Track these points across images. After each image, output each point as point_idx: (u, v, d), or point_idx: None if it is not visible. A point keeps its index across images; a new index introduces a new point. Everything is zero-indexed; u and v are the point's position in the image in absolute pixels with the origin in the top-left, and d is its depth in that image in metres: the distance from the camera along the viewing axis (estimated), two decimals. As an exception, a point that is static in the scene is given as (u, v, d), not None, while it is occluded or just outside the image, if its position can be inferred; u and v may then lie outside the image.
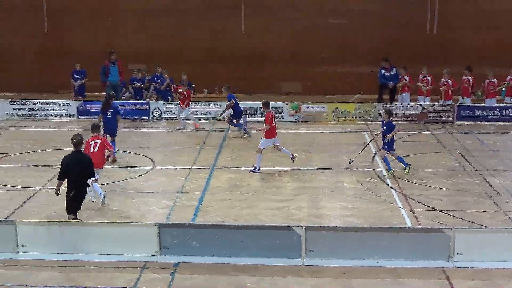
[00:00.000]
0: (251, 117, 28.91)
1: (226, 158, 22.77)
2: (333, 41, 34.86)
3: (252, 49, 34.93)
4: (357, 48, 34.70)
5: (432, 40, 34.37)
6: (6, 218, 16.66)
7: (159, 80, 30.77)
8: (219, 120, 28.39)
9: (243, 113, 27.18)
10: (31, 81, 35.41)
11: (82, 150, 16.21)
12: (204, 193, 19.02)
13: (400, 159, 21.04)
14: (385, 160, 20.99)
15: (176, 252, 14.49)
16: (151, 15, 35.19)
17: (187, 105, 27.76)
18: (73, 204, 15.56)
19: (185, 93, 27.68)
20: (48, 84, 35.07)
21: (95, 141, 18.46)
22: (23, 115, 30.08)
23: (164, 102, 29.95)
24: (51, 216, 16.74)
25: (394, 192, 19.14)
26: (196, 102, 29.86)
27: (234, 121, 26.69)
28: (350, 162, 21.70)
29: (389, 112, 21.47)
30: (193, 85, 31.14)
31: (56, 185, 15.61)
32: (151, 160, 22.56)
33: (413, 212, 17.37)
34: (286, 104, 29.52)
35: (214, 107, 29.65)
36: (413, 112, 29.27)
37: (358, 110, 29.40)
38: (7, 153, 23.36)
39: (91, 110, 29.47)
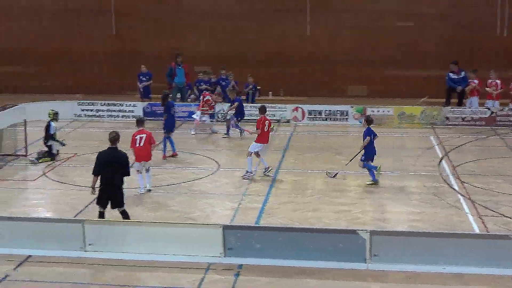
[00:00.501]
0: (316, 120, 28.86)
1: (290, 161, 22.74)
2: (400, 44, 34.50)
3: (317, 52, 34.80)
4: (425, 51, 34.25)
5: (502, 43, 33.71)
6: (74, 217, 16.93)
7: (224, 82, 30.89)
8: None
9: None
10: (99, 82, 36.03)
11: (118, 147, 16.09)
12: (268, 196, 19.02)
13: (369, 168, 20.33)
14: (370, 167, 20.35)
15: (240, 254, 14.50)
16: (218, 18, 35.33)
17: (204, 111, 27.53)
18: (103, 196, 15.61)
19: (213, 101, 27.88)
20: (116, 85, 35.58)
21: (141, 135, 19.05)
22: (91, 116, 30.54)
23: (229, 104, 30.03)
24: (118, 216, 16.91)
25: (461, 198, 18.83)
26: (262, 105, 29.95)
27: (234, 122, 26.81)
28: (334, 176, 20.90)
29: (368, 120, 20.75)
30: (258, 87, 31.27)
31: (91, 181, 15.68)
32: (216, 161, 22.65)
33: (480, 218, 17.07)
34: (351, 107, 29.34)
35: (278, 109, 29.63)
36: (481, 116, 28.76)
37: (424, 114, 29.01)
38: (75, 153, 23.72)
39: (156, 111, 29.74)
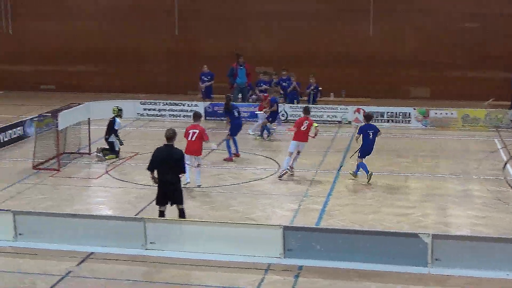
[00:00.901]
0: (378, 121, 28.68)
1: (351, 162, 22.57)
2: (464, 45, 34.08)
3: (380, 53, 34.60)
4: (490, 53, 33.76)
5: None
6: (136, 215, 17.11)
7: (285, 83, 30.88)
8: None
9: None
10: (161, 82, 36.44)
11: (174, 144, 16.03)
12: (329, 197, 18.94)
13: (361, 166, 20.49)
14: (360, 165, 20.47)
15: (300, 255, 14.45)
16: (280, 19, 35.41)
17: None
18: (160, 194, 15.70)
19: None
20: (177, 85, 35.91)
21: (194, 130, 19.29)
22: (152, 115, 30.83)
23: (290, 104, 30.03)
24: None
25: (526, 202, 18.51)
26: (323, 106, 29.92)
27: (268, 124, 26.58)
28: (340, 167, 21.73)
29: (367, 116, 21.11)
30: (320, 88, 31.19)
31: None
32: (276, 162, 22.65)
33: (545, 224, 16.76)
34: (414, 109, 29.03)
35: (340, 110, 29.51)
36: (547, 119, 28.24)
37: (489, 117, 28.55)
38: (137, 152, 23.98)
39: (218, 111, 29.91)
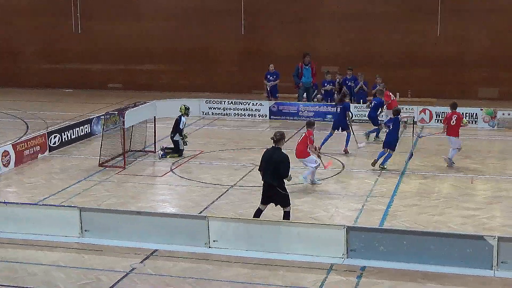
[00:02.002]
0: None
1: (416, 163, 22.35)
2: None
3: (447, 53, 34.17)
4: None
5: None
6: (199, 213, 17.23)
7: (349, 83, 30.68)
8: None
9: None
10: (229, 81, 36.65)
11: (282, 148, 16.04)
12: (393, 198, 18.78)
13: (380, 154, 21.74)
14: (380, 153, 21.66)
15: (363, 255, 14.38)
16: (348, 19, 35.25)
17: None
18: (263, 193, 15.81)
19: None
20: (244, 84, 36.04)
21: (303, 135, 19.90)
22: (218, 114, 30.98)
23: (356, 104, 29.81)
24: (242, 214, 17.15)
25: None
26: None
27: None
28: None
29: (395, 111, 22.02)
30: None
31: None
32: (341, 162, 22.55)
33: None
34: (481, 109, 28.55)
35: (406, 110, 29.17)
36: None
37: (559, 117, 27.93)
38: (202, 150, 24.14)
39: (283, 110, 29.91)
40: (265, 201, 15.85)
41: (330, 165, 20.66)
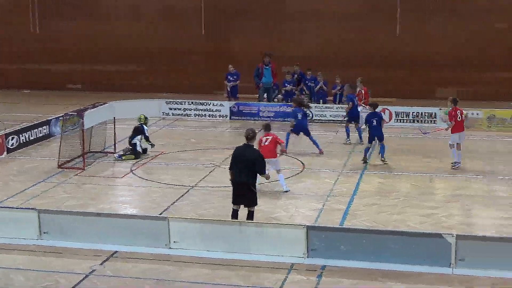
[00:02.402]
0: (403, 122, 28.57)
1: (376, 162, 22.51)
2: (492, 45, 33.85)
3: (406, 53, 34.45)
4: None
5: None
6: (160, 214, 17.16)
7: (309, 83, 30.77)
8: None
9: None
10: (190, 82, 36.54)
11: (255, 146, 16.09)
12: (353, 197, 18.88)
13: (365, 150, 22.54)
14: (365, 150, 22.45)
15: (323, 255, 14.42)
16: (308, 19, 35.36)
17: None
18: (233, 193, 15.70)
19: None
20: (205, 85, 35.98)
21: (267, 137, 19.54)
22: (178, 114, 30.89)
23: (316, 104, 29.93)
24: (203, 214, 17.12)
25: (553, 203, 18.33)
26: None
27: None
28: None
29: (372, 105, 22.78)
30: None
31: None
32: (301, 162, 22.61)
33: None
34: (440, 109, 28.80)
35: (366, 111, 29.24)
36: None
37: (515, 117, 28.31)
38: (162, 151, 24.06)
39: (243, 111, 29.93)
40: (237, 201, 15.73)
41: None
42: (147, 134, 23.51)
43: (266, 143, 19.32)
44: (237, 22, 36.26)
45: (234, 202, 15.78)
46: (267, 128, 19.88)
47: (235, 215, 15.75)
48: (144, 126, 23.62)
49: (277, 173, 19.49)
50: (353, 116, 25.93)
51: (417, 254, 14.01)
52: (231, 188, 15.79)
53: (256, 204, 15.81)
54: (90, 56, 37.89)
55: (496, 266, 13.70)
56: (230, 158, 15.79)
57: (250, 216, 15.77)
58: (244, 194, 15.59)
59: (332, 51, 35.02)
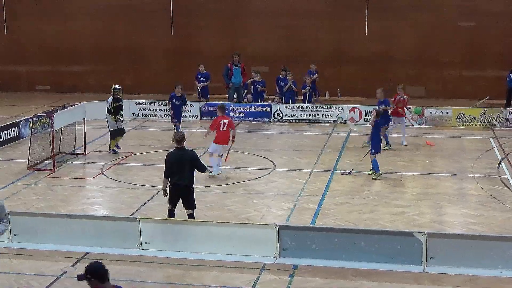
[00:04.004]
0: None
1: (347, 162, 22.59)
2: (460, 43, 34.12)
3: (375, 51, 34.59)
4: (485, 51, 33.82)
5: None
6: (131, 215, 17.09)
7: (281, 82, 30.80)
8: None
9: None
10: (158, 82, 36.29)
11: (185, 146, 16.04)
12: (324, 196, 18.94)
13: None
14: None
15: (295, 254, 14.46)
16: (276, 17, 35.35)
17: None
18: (175, 195, 15.56)
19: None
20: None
21: (224, 120, 20.30)
22: (148, 115, 30.77)
23: (286, 104, 29.96)
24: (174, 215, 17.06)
25: (520, 201, 18.52)
26: (318, 105, 29.87)
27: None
28: (349, 173, 21.16)
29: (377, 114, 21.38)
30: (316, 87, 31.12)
31: (163, 183, 15.67)
32: (272, 162, 22.64)
33: (541, 222, 16.76)
34: (409, 108, 28.95)
35: (335, 110, 29.44)
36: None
37: (483, 115, 28.53)
38: (132, 152, 23.96)
39: (214, 111, 29.85)
40: (175, 202, 15.68)
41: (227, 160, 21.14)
42: (108, 107, 23.79)
43: (224, 129, 20.13)
44: (205, 21, 36.07)
45: (174, 203, 15.69)
46: (222, 109, 20.75)
47: (172, 214, 15.70)
48: (109, 98, 24.08)
49: (218, 156, 20.36)
50: (386, 121, 23.89)
51: (389, 252, 14.11)
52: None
53: (195, 206, 15.77)
54: (57, 57, 37.47)
55: (466, 264, 13.84)
56: (164, 165, 15.59)
57: (191, 218, 15.66)
58: (185, 196, 15.57)
59: (301, 49, 34.98)
